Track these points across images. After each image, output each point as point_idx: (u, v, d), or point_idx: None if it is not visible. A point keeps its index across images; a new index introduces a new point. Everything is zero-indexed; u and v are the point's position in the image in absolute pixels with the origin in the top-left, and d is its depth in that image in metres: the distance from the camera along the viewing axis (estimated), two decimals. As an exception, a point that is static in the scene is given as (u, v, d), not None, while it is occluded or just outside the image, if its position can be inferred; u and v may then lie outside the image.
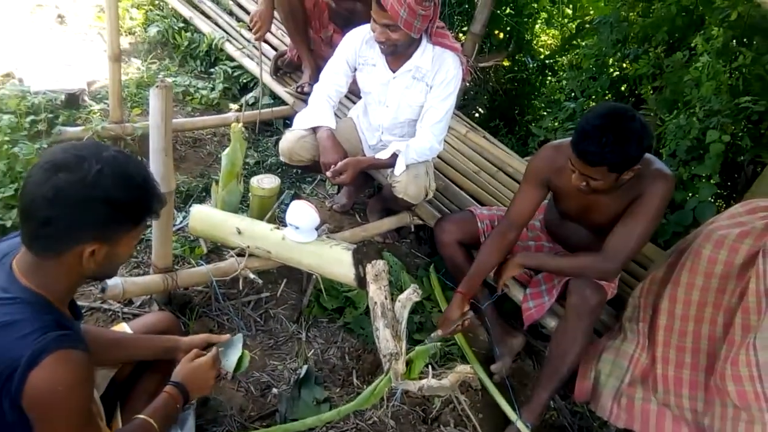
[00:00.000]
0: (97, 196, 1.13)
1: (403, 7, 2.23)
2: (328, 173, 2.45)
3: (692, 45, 2.93)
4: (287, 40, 3.65)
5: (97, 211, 1.14)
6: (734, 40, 2.88)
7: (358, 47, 2.56)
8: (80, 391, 1.15)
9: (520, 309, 2.34)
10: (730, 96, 2.76)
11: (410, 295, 1.77)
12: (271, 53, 3.69)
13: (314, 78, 3.31)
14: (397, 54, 2.45)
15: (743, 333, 1.88)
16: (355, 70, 2.63)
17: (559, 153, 2.09)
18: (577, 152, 1.83)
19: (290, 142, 2.58)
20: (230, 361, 1.65)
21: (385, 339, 1.73)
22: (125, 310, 2.23)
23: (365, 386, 2.09)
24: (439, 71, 2.47)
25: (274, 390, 2.11)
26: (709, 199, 2.83)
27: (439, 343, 2.04)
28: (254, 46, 3.81)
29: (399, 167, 2.44)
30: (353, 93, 3.07)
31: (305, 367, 2.17)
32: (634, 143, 1.78)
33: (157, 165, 1.89)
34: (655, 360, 2.07)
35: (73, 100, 3.14)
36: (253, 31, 3.10)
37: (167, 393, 1.45)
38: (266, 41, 3.70)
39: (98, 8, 4.23)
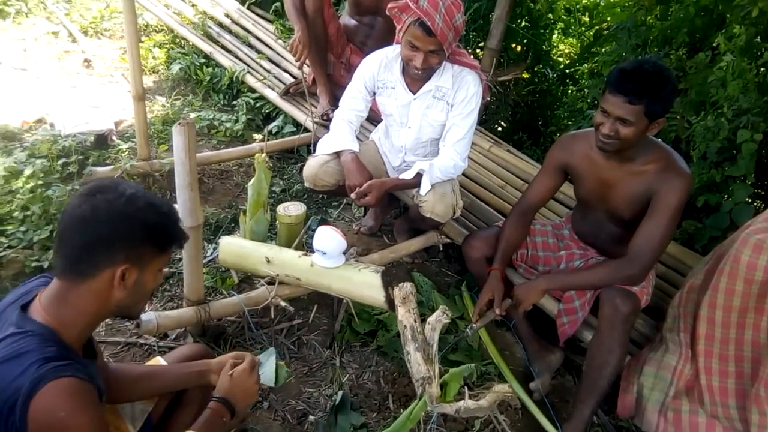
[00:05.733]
0: (131, 213, 1.22)
1: (450, 29, 2.25)
2: (353, 195, 2.45)
3: (714, 44, 2.87)
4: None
5: (131, 227, 1.22)
6: (758, 37, 2.81)
7: (376, 72, 2.58)
8: (82, 417, 1.14)
9: (556, 323, 2.29)
10: (759, 93, 2.68)
11: (440, 317, 1.74)
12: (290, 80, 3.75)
13: (333, 103, 3.35)
14: (423, 78, 2.46)
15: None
16: (374, 94, 2.64)
17: (575, 140, 2.23)
18: (617, 88, 1.87)
19: (314, 168, 2.60)
20: (268, 374, 1.65)
21: (416, 363, 1.71)
22: (161, 344, 2.26)
23: (402, 410, 2.06)
24: (459, 90, 2.47)
25: (311, 417, 2.10)
26: (746, 200, 2.74)
27: (473, 364, 2.00)
28: (274, 75, 3.88)
29: (424, 187, 2.43)
30: (370, 120, 3.08)
31: (340, 393, 2.15)
32: (669, 86, 1.87)
33: (183, 200, 1.92)
34: (699, 371, 2.00)
35: (101, 141, 3.24)
36: (295, 57, 3.15)
37: (211, 408, 1.45)
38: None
39: (122, 50, 4.37)
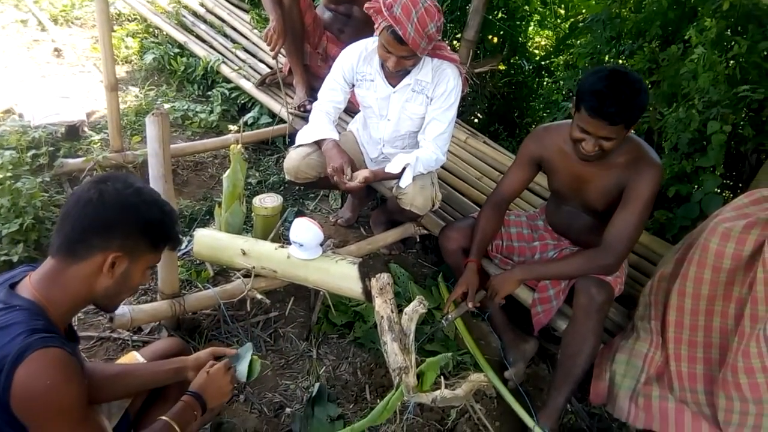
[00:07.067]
0: (136, 204, 1.28)
1: (423, 38, 2.24)
2: (336, 178, 2.39)
3: (686, 37, 2.91)
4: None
5: (132, 217, 1.28)
6: (728, 30, 2.86)
7: (355, 64, 2.57)
8: (68, 389, 1.16)
9: (530, 313, 2.32)
10: (728, 86, 2.73)
11: (416, 307, 1.75)
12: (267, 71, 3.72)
13: (310, 94, 3.33)
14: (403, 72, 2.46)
15: (752, 324, 1.86)
16: (353, 86, 2.63)
17: (548, 133, 2.23)
18: (600, 115, 1.85)
19: (295, 160, 2.58)
20: (242, 369, 1.65)
21: (393, 353, 1.72)
22: (135, 338, 2.23)
23: (379, 401, 2.07)
24: (439, 83, 2.47)
25: (288, 410, 2.10)
26: (716, 190, 2.80)
27: (450, 354, 2.02)
28: (250, 66, 3.84)
29: (405, 179, 2.43)
30: (347, 110, 3.07)
31: (317, 384, 2.16)
32: (644, 95, 1.89)
33: (158, 192, 1.90)
34: (668, 358, 2.04)
35: (73, 132, 3.17)
36: (270, 47, 3.12)
37: (183, 401, 1.47)
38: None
39: (94, 39, 4.28)
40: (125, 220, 1.27)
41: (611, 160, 2.04)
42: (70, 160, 2.88)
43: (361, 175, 2.40)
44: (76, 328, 2.18)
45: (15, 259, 2.32)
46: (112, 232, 1.25)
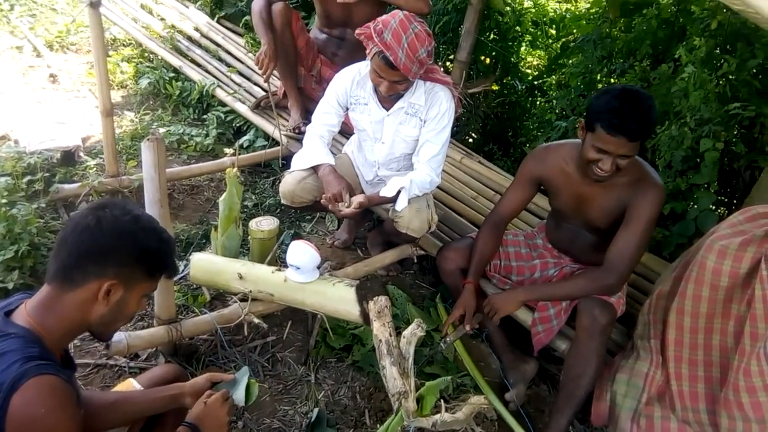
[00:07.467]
0: (133, 231, 1.28)
1: (414, 63, 2.25)
2: (331, 207, 2.39)
3: (676, 56, 2.95)
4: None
5: (129, 245, 1.27)
6: (717, 48, 2.90)
7: (349, 88, 2.58)
8: (63, 416, 1.15)
9: (530, 333, 2.31)
10: (719, 103, 2.76)
11: (414, 330, 1.75)
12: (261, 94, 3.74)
13: (305, 116, 3.34)
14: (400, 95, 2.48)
15: (752, 342, 1.85)
16: (347, 109, 2.65)
17: (549, 153, 2.24)
18: (622, 132, 1.86)
19: (291, 185, 2.58)
20: (239, 394, 1.63)
21: (392, 377, 1.71)
22: (131, 364, 2.21)
23: (378, 425, 2.05)
24: (432, 106, 2.49)
25: (287, 436, 2.08)
26: (710, 207, 2.82)
27: (449, 377, 2.01)
28: (245, 89, 3.86)
29: (401, 203, 2.43)
30: (342, 132, 3.09)
31: (316, 410, 2.14)
32: (654, 109, 1.92)
33: (153, 216, 1.89)
34: (669, 377, 2.03)
35: (68, 158, 3.17)
36: (261, 71, 3.15)
37: None
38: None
39: (89, 65, 4.30)
40: (122, 247, 1.26)
41: (614, 179, 2.05)
42: (66, 186, 2.87)
43: (356, 200, 2.39)
44: (72, 355, 2.18)
45: (10, 286, 2.31)
46: (108, 259, 1.25)
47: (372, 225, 3.23)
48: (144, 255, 1.30)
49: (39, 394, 1.12)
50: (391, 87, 2.36)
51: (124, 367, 2.20)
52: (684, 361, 2.02)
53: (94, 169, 3.14)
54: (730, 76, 2.79)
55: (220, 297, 2.56)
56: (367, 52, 2.33)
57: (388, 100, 2.51)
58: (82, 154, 3.24)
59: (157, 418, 1.61)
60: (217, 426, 1.52)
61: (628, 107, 1.85)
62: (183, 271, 2.63)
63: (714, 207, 3.00)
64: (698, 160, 2.86)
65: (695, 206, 2.81)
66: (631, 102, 1.85)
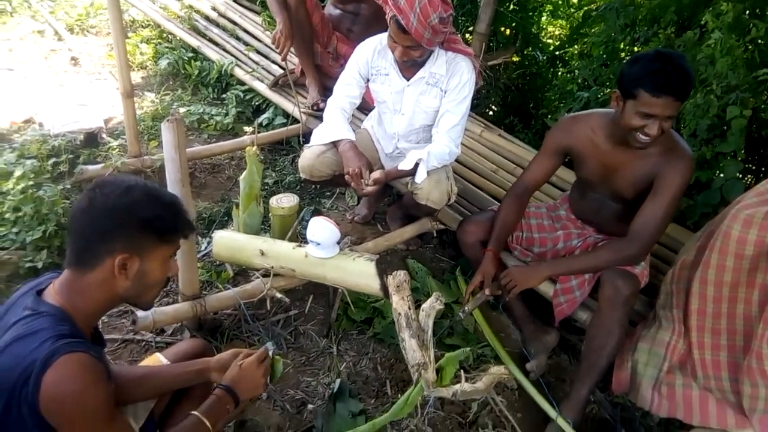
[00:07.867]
0: (124, 204, 1.26)
1: (426, 29, 2.24)
2: (354, 184, 2.41)
3: (702, 22, 2.87)
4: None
5: (124, 218, 1.25)
6: (746, 13, 2.81)
7: (370, 58, 2.57)
8: (94, 392, 1.17)
9: (551, 304, 2.31)
10: (747, 70, 2.68)
11: (433, 303, 1.75)
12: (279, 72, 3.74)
13: (323, 94, 3.34)
14: (416, 65, 2.46)
15: (778, 311, 1.82)
16: (368, 80, 2.64)
17: (576, 123, 2.22)
18: (669, 92, 1.85)
19: (310, 159, 2.59)
20: None
21: (412, 349, 1.72)
22: (158, 339, 2.26)
23: (400, 395, 2.08)
24: (453, 76, 2.47)
25: (310, 406, 2.12)
26: (737, 175, 2.76)
27: (468, 348, 2.02)
28: (263, 67, 3.87)
29: (420, 175, 2.42)
30: (360, 108, 3.08)
31: (338, 381, 2.17)
32: (690, 67, 1.91)
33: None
34: (691, 346, 2.02)
35: (91, 139, 3.22)
36: (278, 50, 3.15)
37: (216, 395, 1.48)
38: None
39: (109, 47, 4.34)
40: (119, 222, 1.25)
41: (642, 149, 2.02)
42: (90, 167, 2.93)
43: (373, 176, 2.39)
44: (101, 331, 2.24)
45: (39, 265, 2.37)
46: (110, 236, 1.25)
47: (391, 200, 3.23)
48: (145, 224, 1.28)
49: (71, 371, 1.14)
50: (405, 52, 2.34)
51: (151, 341, 2.26)
52: (707, 330, 2.00)
53: (117, 150, 3.19)
54: (759, 41, 2.70)
55: (242, 273, 2.60)
56: (387, 17, 2.32)
57: (409, 70, 2.49)
58: (104, 135, 3.29)
59: (183, 392, 1.65)
60: (253, 388, 1.55)
61: (671, 66, 1.84)
62: (206, 248, 2.67)
63: (740, 175, 2.94)
64: (725, 128, 2.79)
65: (721, 175, 2.75)
66: (672, 62, 1.85)
